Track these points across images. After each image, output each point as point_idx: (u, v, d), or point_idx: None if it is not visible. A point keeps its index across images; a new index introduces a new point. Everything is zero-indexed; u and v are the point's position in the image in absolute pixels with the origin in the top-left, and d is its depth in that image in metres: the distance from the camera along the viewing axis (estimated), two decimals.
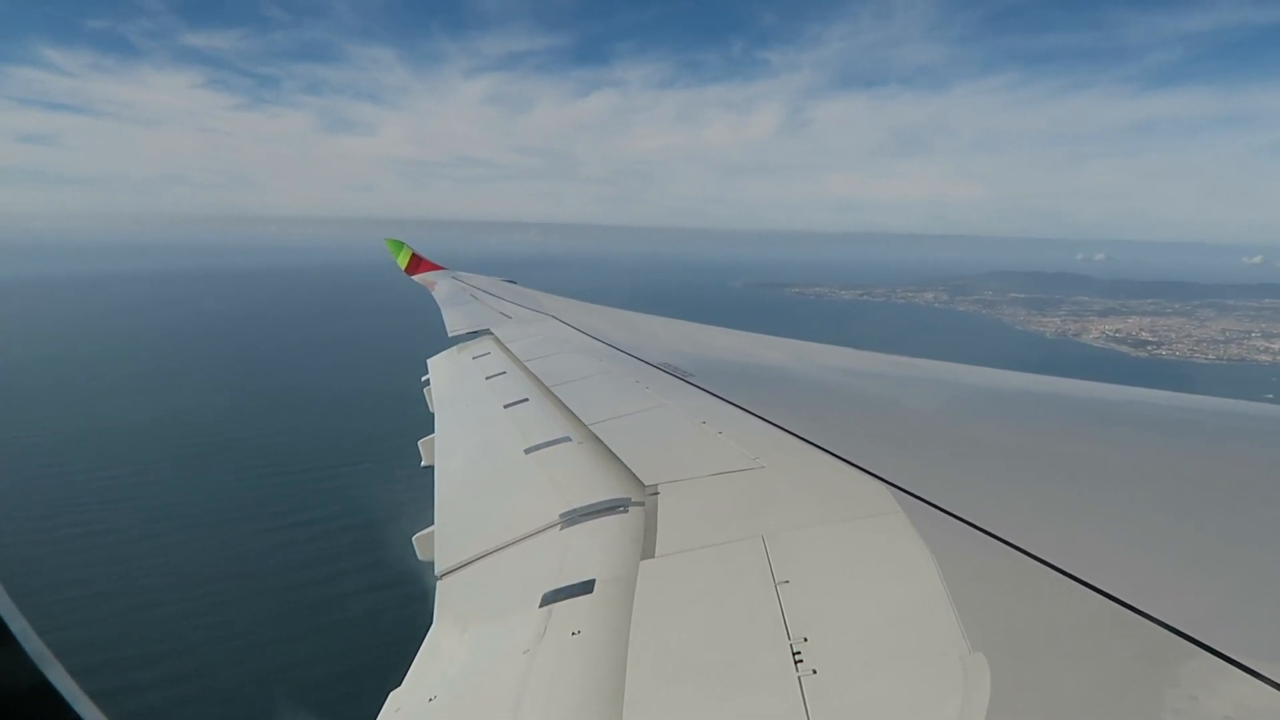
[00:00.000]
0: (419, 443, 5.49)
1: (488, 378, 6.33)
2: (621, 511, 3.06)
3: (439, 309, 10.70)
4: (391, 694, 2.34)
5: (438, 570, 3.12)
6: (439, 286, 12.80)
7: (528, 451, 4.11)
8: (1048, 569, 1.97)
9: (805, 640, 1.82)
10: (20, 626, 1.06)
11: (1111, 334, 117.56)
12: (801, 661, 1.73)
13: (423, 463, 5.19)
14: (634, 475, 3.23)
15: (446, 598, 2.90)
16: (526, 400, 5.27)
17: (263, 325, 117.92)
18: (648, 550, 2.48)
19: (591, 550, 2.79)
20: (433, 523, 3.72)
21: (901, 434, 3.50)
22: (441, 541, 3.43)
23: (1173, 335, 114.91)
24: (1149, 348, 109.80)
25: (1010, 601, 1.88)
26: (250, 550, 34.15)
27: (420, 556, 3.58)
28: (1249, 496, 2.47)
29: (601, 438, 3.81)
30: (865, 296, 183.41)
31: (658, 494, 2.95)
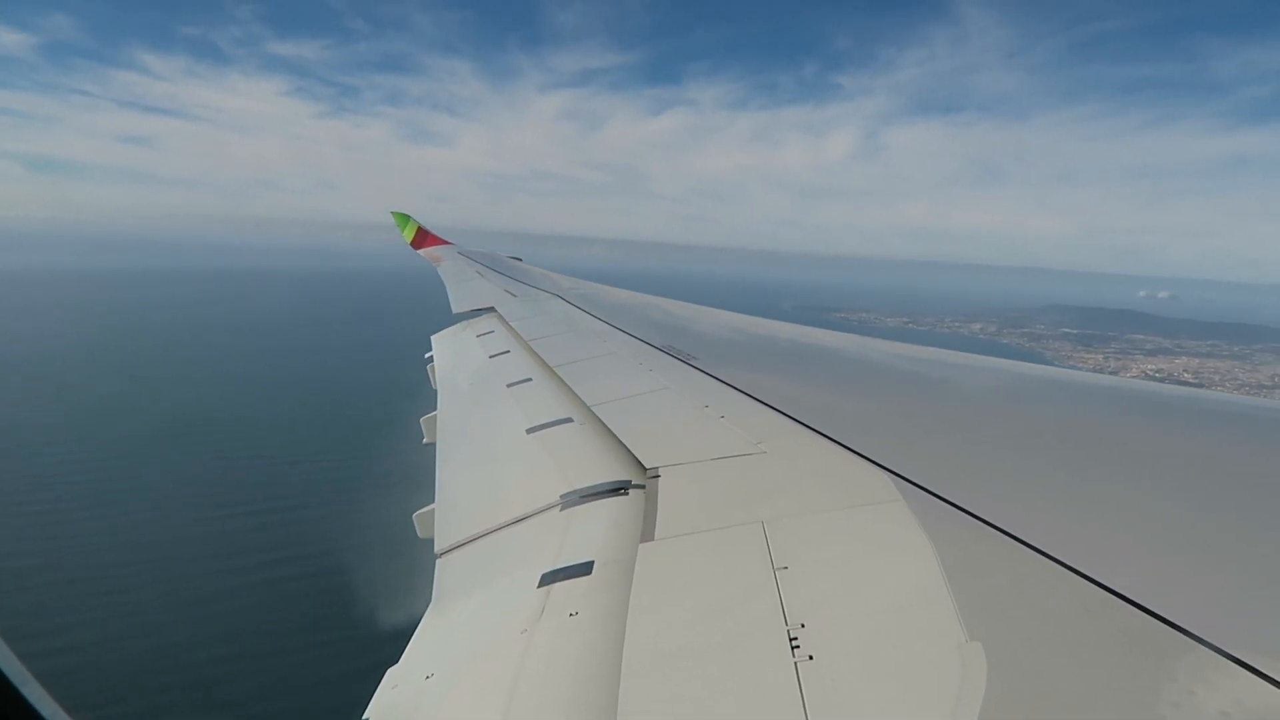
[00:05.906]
0: (421, 420, 5.49)
1: (491, 356, 6.32)
2: (622, 494, 3.05)
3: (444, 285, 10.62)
4: (389, 670, 2.35)
5: (437, 548, 3.13)
6: (445, 262, 12.72)
7: (529, 431, 4.10)
8: (1047, 561, 1.96)
9: (803, 626, 1.81)
10: None
11: (1151, 373, 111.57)
12: (798, 647, 1.73)
13: (424, 440, 5.20)
14: (635, 458, 3.22)
15: (445, 576, 2.91)
16: (530, 380, 5.26)
17: (297, 325, 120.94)
18: (647, 533, 2.47)
19: (591, 532, 2.79)
20: (433, 500, 3.73)
21: (905, 423, 3.48)
22: (441, 520, 3.44)
23: (1217, 378, 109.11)
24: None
25: (1009, 593, 1.87)
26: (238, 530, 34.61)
27: (420, 534, 3.59)
28: (1249, 491, 2.45)
29: (604, 419, 3.80)
30: (910, 324, 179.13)
31: (658, 477, 2.94)
